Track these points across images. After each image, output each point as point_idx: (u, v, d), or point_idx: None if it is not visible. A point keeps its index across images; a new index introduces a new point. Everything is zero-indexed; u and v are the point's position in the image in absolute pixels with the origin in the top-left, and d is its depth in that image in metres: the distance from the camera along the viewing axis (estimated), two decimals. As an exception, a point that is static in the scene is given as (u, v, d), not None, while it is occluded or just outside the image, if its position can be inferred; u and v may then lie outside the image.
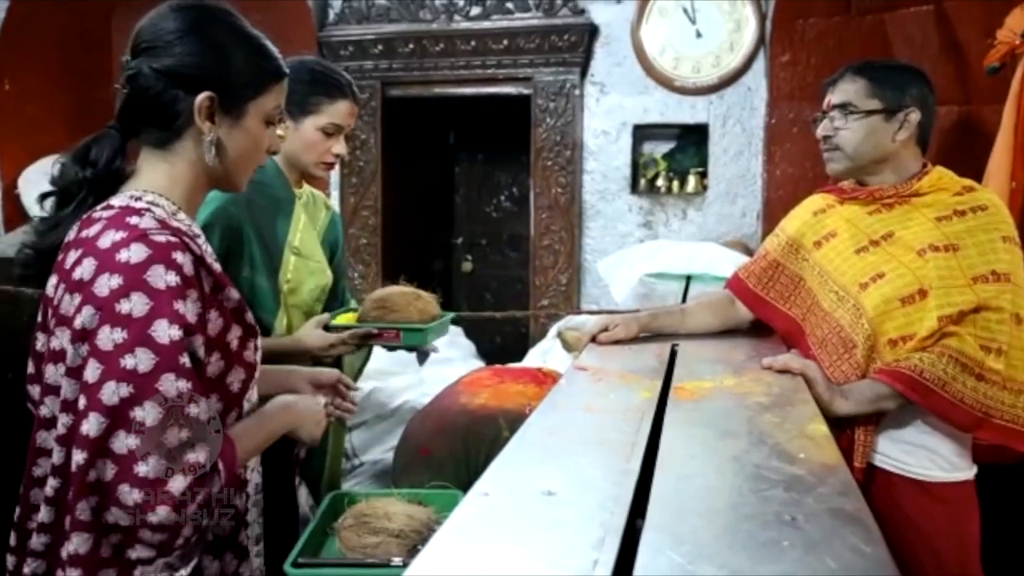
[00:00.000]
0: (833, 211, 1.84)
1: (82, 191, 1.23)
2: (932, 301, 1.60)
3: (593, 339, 1.84)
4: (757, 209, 4.34)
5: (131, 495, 1.04)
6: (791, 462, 1.07)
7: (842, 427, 1.62)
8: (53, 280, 1.17)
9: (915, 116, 1.72)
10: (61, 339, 1.12)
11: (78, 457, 1.05)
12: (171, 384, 1.07)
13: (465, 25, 4.48)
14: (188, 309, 1.10)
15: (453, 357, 4.12)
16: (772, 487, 0.99)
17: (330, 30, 4.61)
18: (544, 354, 3.81)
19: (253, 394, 1.30)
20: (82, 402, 1.06)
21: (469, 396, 1.79)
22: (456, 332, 4.36)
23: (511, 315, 4.62)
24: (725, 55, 4.29)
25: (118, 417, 1.05)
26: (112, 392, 1.05)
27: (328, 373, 1.60)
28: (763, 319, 1.93)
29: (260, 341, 1.31)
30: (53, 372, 1.14)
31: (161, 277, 1.08)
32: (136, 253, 1.09)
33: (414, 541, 1.39)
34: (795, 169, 4.18)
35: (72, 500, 1.07)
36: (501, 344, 5.54)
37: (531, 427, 1.26)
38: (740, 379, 1.55)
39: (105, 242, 1.11)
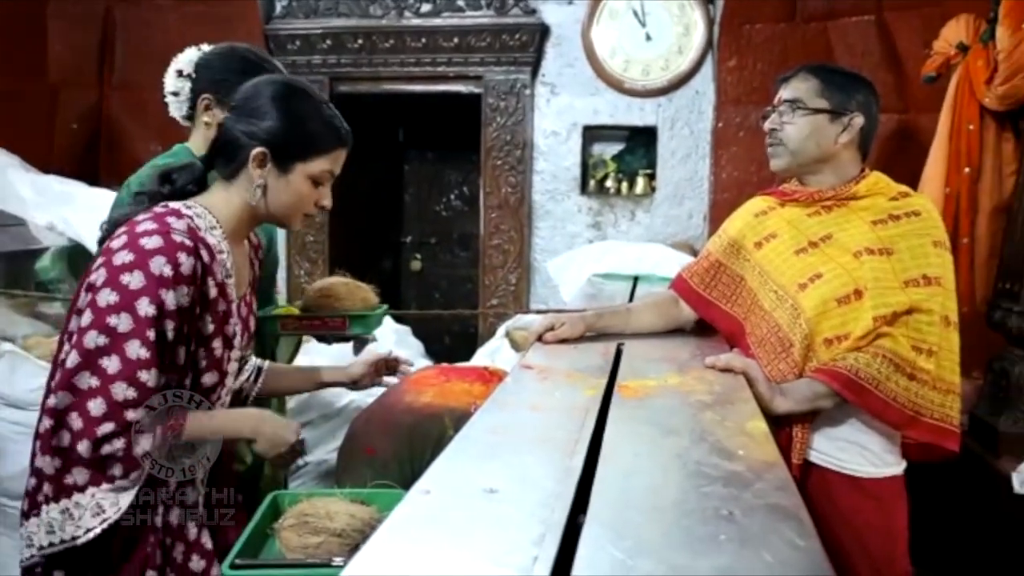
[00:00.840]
0: (774, 213, 1.88)
1: (157, 201, 1.50)
2: (867, 302, 1.64)
3: (539, 338, 1.85)
4: (704, 211, 4.40)
5: (75, 422, 1.32)
6: (730, 459, 1.08)
7: (780, 425, 1.65)
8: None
9: (859, 121, 1.76)
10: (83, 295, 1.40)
11: (51, 384, 1.38)
12: (135, 349, 1.34)
13: (416, 22, 4.46)
14: (169, 298, 1.36)
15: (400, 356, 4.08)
16: (711, 483, 1.00)
17: (277, 23, 4.55)
18: (492, 353, 3.81)
19: (225, 398, 1.57)
20: (73, 340, 1.36)
21: (414, 395, 1.77)
22: (404, 331, 4.33)
23: (459, 313, 4.62)
24: (674, 58, 4.34)
25: (89, 359, 1.33)
26: (93, 339, 1.33)
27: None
28: (706, 319, 1.95)
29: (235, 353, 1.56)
30: (74, 321, 1.40)
31: (160, 267, 1.36)
32: (152, 242, 1.37)
33: (356, 540, 1.37)
34: (741, 172, 4.24)
35: (38, 425, 1.40)
36: (449, 344, 5.52)
37: (475, 425, 1.26)
38: (684, 377, 1.56)
39: (139, 227, 1.39)
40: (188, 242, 1.39)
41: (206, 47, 1.98)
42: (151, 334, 1.34)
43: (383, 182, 5.80)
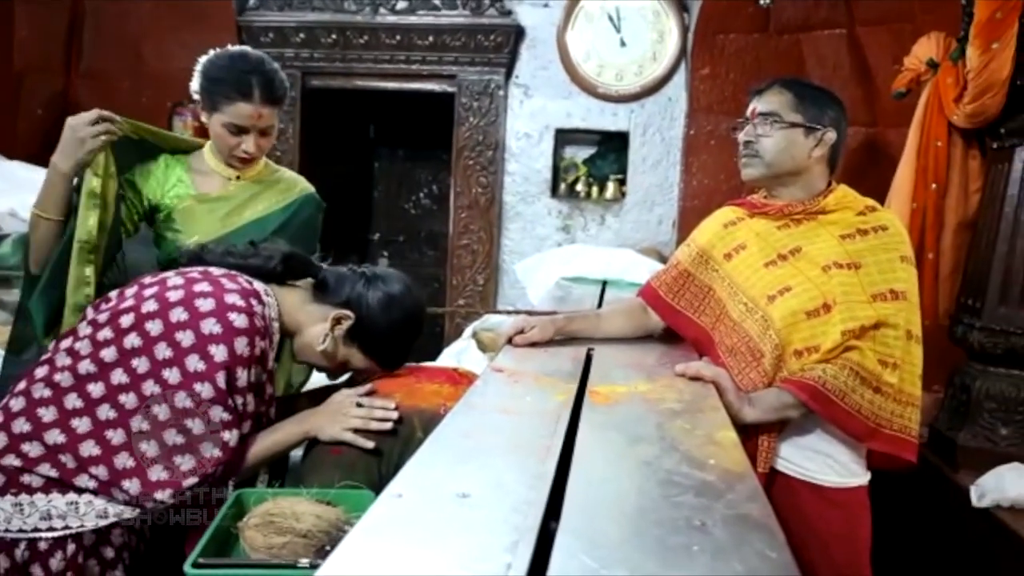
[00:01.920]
0: (743, 224, 1.90)
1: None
2: (836, 315, 1.66)
3: (509, 341, 1.84)
4: (673, 218, 4.43)
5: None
6: (701, 468, 1.09)
7: (747, 433, 1.67)
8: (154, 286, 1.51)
9: (831, 136, 1.79)
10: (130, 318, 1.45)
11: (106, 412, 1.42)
12: (217, 413, 1.44)
13: (391, 19, 4.44)
14: (241, 376, 1.47)
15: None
16: (683, 492, 1.00)
17: (250, 15, 4.50)
18: (459, 354, 3.79)
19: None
20: (171, 374, 1.41)
21: (383, 395, 1.76)
22: (370, 329, 4.30)
23: (430, 311, 4.58)
24: (648, 65, 4.36)
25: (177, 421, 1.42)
26: (181, 399, 1.42)
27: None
28: (673, 327, 1.97)
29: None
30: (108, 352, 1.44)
31: (243, 347, 1.45)
32: (240, 321, 1.46)
33: (322, 542, 1.36)
34: (711, 180, 4.28)
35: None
36: (415, 343, 5.50)
37: (446, 428, 1.25)
38: (653, 385, 1.57)
39: (229, 299, 1.48)
40: (263, 327, 1.51)
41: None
42: (231, 402, 1.44)
43: (352, 179, 5.76)
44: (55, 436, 1.43)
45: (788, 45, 4.09)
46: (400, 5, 4.44)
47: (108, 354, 1.44)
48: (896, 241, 1.74)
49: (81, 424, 1.43)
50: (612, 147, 4.58)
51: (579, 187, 4.58)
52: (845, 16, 3.86)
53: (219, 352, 1.43)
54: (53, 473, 1.42)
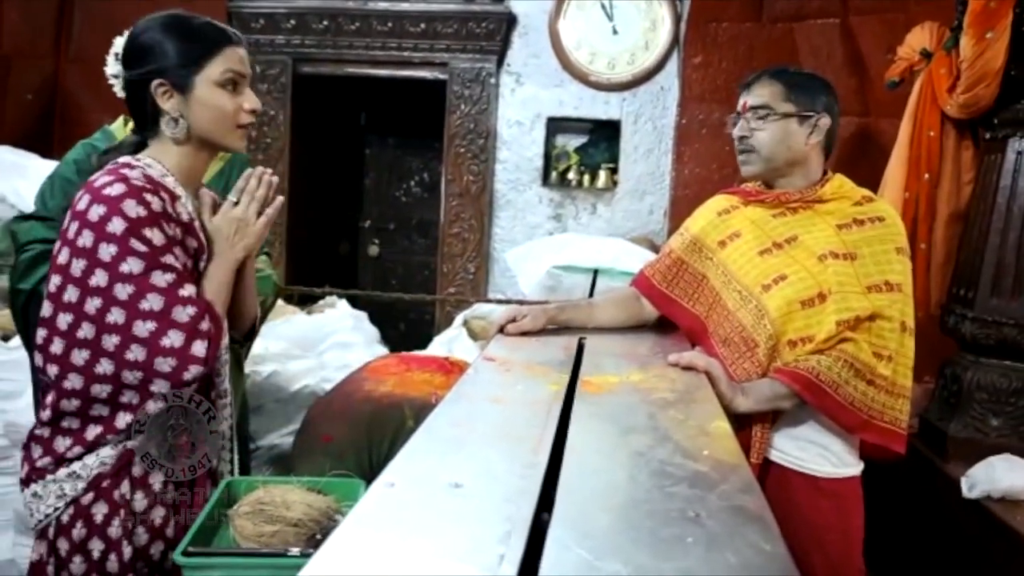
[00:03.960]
0: (737, 212, 1.89)
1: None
2: (831, 305, 1.66)
3: (501, 329, 1.84)
4: (664, 207, 4.42)
5: (163, 365, 1.42)
6: (695, 459, 1.08)
7: (741, 424, 1.67)
8: (67, 216, 1.47)
9: (825, 121, 1.79)
10: (63, 255, 1.44)
11: (87, 331, 1.41)
12: (160, 278, 1.41)
13: (382, 5, 4.41)
14: (155, 236, 1.42)
15: (356, 342, 4.05)
16: (676, 483, 1.00)
17: (240, 1, 4.46)
18: (450, 342, 3.79)
19: (225, 355, 1.60)
20: (96, 302, 1.40)
21: (374, 383, 1.75)
22: (360, 317, 4.29)
23: (419, 298, 4.58)
24: (640, 53, 4.35)
25: (129, 309, 1.39)
26: (121, 289, 1.39)
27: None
28: (667, 316, 1.96)
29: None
30: (56, 280, 1.44)
31: (133, 209, 1.41)
32: (116, 189, 1.41)
33: (313, 531, 1.35)
34: (702, 169, 4.27)
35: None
36: (405, 331, 5.49)
37: (438, 417, 1.24)
38: (646, 374, 1.57)
39: (98, 183, 1.44)
40: (147, 185, 1.45)
41: None
42: (162, 260, 1.42)
43: (343, 166, 5.73)
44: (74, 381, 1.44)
45: (781, 34, 4.08)
46: (392, -9, 4.41)
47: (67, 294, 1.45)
48: (893, 233, 1.74)
49: (80, 355, 1.43)
50: (604, 136, 4.57)
51: (571, 176, 4.57)
52: (838, 5, 3.85)
53: (117, 225, 1.40)
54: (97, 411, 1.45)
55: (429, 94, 4.65)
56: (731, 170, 4.39)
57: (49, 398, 1.48)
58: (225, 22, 4.28)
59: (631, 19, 4.33)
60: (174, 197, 1.50)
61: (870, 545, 1.79)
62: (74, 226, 1.43)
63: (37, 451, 1.49)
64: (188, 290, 1.45)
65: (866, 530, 1.77)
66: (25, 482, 1.51)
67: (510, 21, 4.39)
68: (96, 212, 1.41)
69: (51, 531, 1.48)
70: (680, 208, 4.28)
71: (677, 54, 4.32)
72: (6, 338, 3.07)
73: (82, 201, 1.44)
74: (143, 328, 1.40)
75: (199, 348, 1.43)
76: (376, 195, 6.03)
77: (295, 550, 1.32)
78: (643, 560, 0.80)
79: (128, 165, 1.49)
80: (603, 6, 4.32)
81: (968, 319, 2.72)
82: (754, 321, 1.72)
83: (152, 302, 1.40)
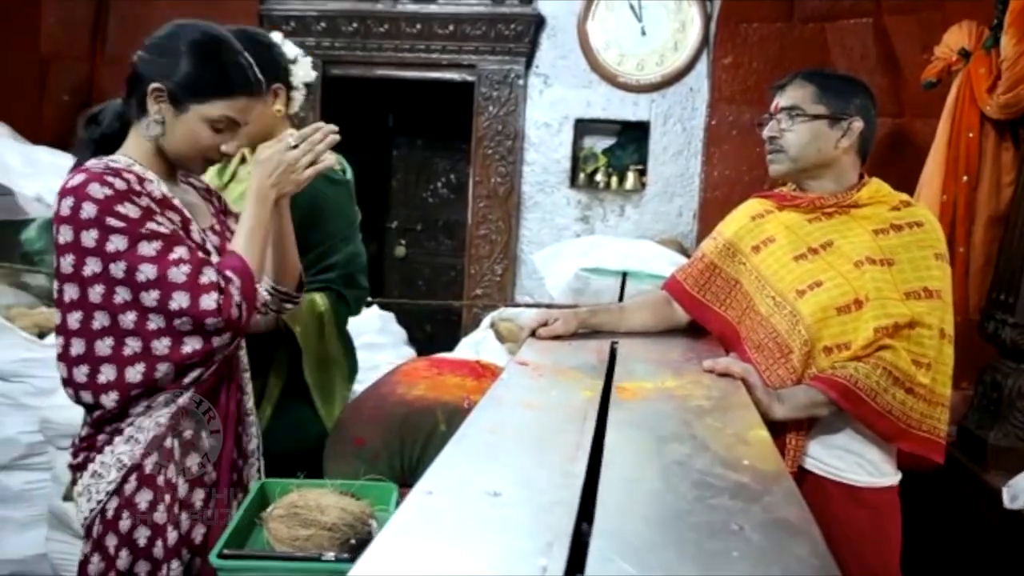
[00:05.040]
0: (772, 216, 1.86)
1: (91, 146, 1.59)
2: (868, 312, 1.63)
3: (532, 333, 1.83)
4: (694, 209, 4.39)
5: (185, 324, 1.47)
6: (735, 469, 1.07)
7: (775, 431, 1.64)
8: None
9: (858, 125, 1.76)
10: (57, 261, 1.48)
11: (101, 320, 1.46)
12: (146, 248, 1.43)
13: (411, 8, 4.41)
14: (129, 209, 1.44)
15: (383, 343, 4.06)
16: (717, 495, 0.98)
17: (272, 3, 4.49)
18: (477, 344, 3.79)
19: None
20: (99, 290, 1.44)
21: (407, 387, 1.75)
22: (388, 318, 4.30)
23: (447, 304, 4.58)
24: (669, 54, 4.32)
25: (132, 284, 1.43)
26: (115, 268, 1.42)
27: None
28: (699, 321, 1.94)
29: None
30: (55, 287, 1.49)
31: (98, 190, 1.42)
32: (77, 179, 1.44)
33: (347, 535, 1.35)
34: (732, 171, 4.24)
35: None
36: (431, 332, 5.49)
37: (473, 423, 1.24)
38: (680, 380, 1.55)
39: (62, 184, 1.46)
40: (107, 171, 1.46)
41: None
42: (143, 231, 1.43)
43: (371, 167, 5.74)
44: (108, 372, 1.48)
45: (812, 34, 4.03)
46: (421, -7, 4.42)
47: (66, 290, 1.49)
48: (931, 238, 1.71)
49: (105, 346, 1.48)
50: (632, 137, 4.54)
51: (598, 177, 4.55)
52: (872, 4, 3.79)
53: (89, 209, 1.42)
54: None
55: (457, 95, 4.65)
56: (761, 171, 4.32)
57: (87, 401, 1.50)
58: (256, 24, 4.35)
59: (660, 20, 4.30)
60: (141, 179, 1.51)
61: (908, 557, 1.76)
62: (56, 229, 1.46)
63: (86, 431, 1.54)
64: (179, 252, 1.45)
65: (904, 541, 1.74)
66: (80, 467, 1.54)
67: (538, 23, 4.38)
68: (66, 205, 1.43)
69: (96, 528, 1.51)
70: (709, 210, 4.24)
71: (707, 55, 4.29)
72: (42, 335, 3.10)
73: (56, 205, 1.47)
74: (150, 298, 1.43)
75: (208, 301, 1.44)
76: (403, 196, 6.04)
77: (329, 554, 1.32)
78: (689, 574, 0.79)
79: (88, 159, 1.52)
80: (632, 7, 4.30)
81: (1008, 324, 2.67)
82: (788, 327, 1.70)
83: (146, 272, 1.42)
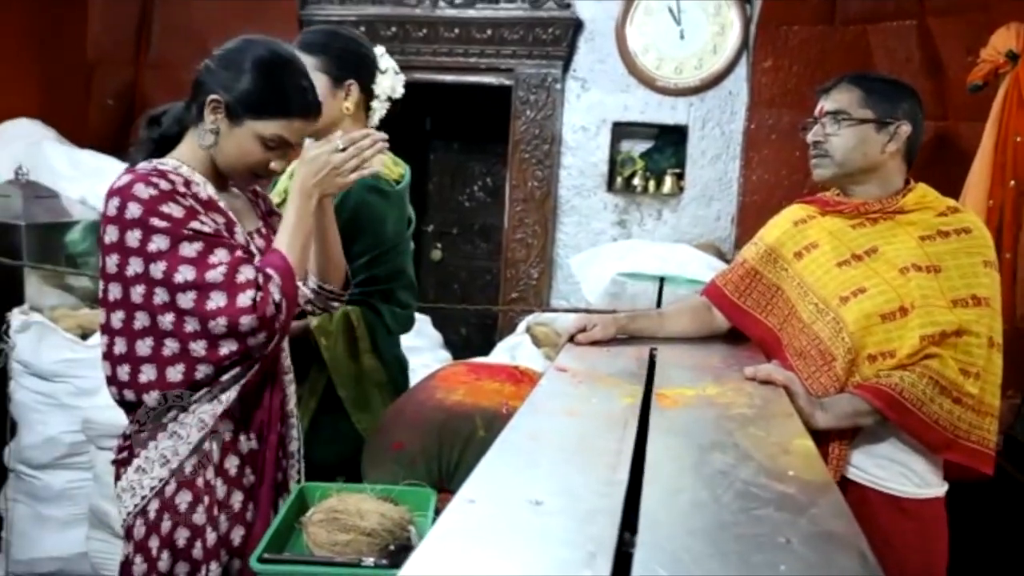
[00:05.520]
0: (814, 222, 1.84)
1: (149, 146, 1.64)
2: (914, 320, 1.60)
3: (571, 339, 1.82)
4: (732, 213, 4.35)
5: (219, 327, 1.47)
6: (780, 480, 1.05)
7: (817, 440, 1.61)
8: None
9: (905, 129, 1.73)
10: (102, 261, 1.52)
11: (142, 320, 1.50)
12: (188, 248, 1.45)
13: (449, 12, 4.43)
14: (174, 209, 1.47)
15: (420, 347, 4.07)
16: (763, 506, 0.97)
17: (312, 9, 4.53)
18: (512, 349, 3.78)
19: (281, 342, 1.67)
20: (140, 290, 1.47)
21: (445, 392, 1.75)
22: (423, 321, 4.31)
23: (485, 309, 4.58)
24: (708, 58, 4.28)
25: (169, 286, 1.45)
26: (155, 269, 1.45)
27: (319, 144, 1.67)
28: (740, 327, 1.92)
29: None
30: (101, 287, 1.54)
31: (143, 191, 1.46)
32: (123, 180, 1.49)
33: (386, 541, 1.36)
34: (771, 175, 4.19)
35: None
36: (466, 335, 5.50)
37: (514, 430, 1.23)
38: (721, 388, 1.53)
39: (109, 187, 1.50)
40: (153, 172, 1.51)
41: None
42: (185, 231, 1.46)
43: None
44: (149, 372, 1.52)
45: (854, 37, 3.98)
46: (459, -2, 4.43)
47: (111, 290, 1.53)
48: (980, 245, 1.67)
49: (145, 346, 1.52)
50: (670, 141, 4.51)
51: (636, 181, 4.52)
52: (915, 6, 3.73)
53: (134, 209, 1.45)
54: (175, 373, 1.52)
55: (494, 99, 4.65)
56: (801, 176, 4.31)
57: (130, 399, 1.53)
58: (297, 30, 4.38)
59: (699, 23, 4.27)
60: (188, 181, 1.55)
61: (954, 570, 1.72)
62: (103, 229, 1.51)
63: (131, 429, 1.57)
64: (219, 255, 1.47)
65: (951, 553, 1.71)
66: (124, 463, 1.57)
67: (576, 26, 4.37)
68: (112, 206, 1.47)
69: (137, 529, 1.54)
70: (748, 214, 4.20)
71: (746, 58, 4.25)
72: (84, 336, 3.16)
73: (103, 206, 1.52)
74: (187, 300, 1.45)
75: (244, 299, 1.45)
76: (439, 200, 6.05)
77: (369, 560, 1.33)
78: (735, 587, 0.78)
79: (140, 166, 1.56)
80: (671, 11, 4.27)
81: (1056, 332, 2.61)
82: (831, 334, 1.67)
83: (184, 274, 1.44)
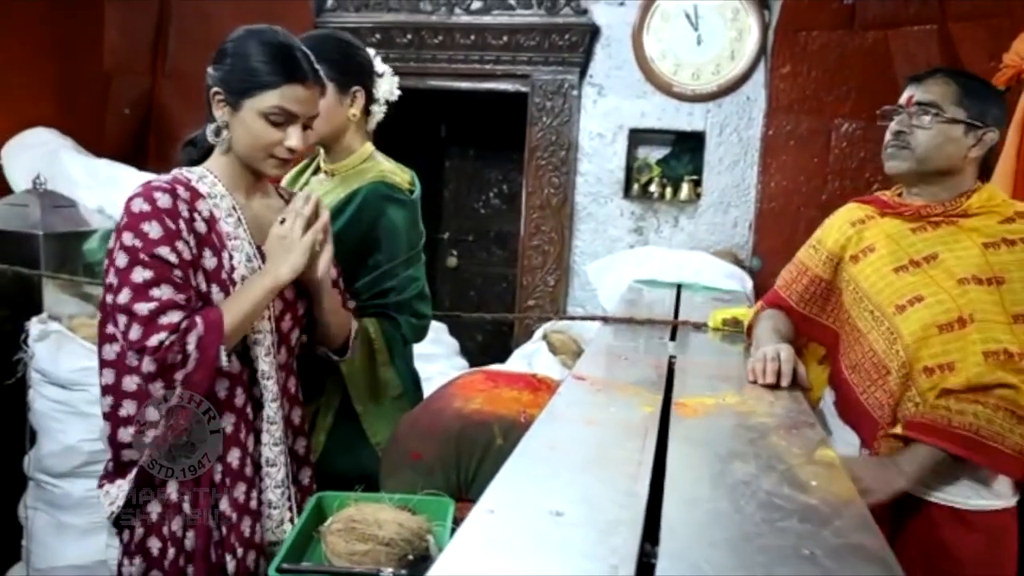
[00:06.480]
0: (873, 223, 1.76)
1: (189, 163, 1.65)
2: (974, 334, 1.53)
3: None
4: (749, 220, 4.32)
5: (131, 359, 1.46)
6: (803, 490, 1.04)
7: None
8: None
9: (992, 136, 1.66)
10: None
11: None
12: (139, 274, 1.45)
13: (465, 19, 4.43)
14: (153, 229, 1.46)
15: (436, 354, 4.07)
16: (786, 517, 0.96)
17: (328, 16, 4.54)
18: (529, 356, 3.77)
19: (262, 325, 1.61)
20: (109, 298, 1.49)
21: (463, 400, 1.74)
22: (440, 328, 4.31)
23: (502, 317, 4.58)
24: (725, 63, 4.26)
25: (114, 303, 1.47)
26: (112, 281, 1.47)
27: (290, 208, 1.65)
28: (811, 337, 1.87)
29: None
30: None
31: (139, 206, 1.48)
32: (134, 192, 1.51)
33: (404, 551, 1.35)
34: (789, 182, 4.16)
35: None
36: (483, 342, 5.49)
37: (533, 439, 1.23)
38: (742, 396, 1.52)
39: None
40: (164, 184, 1.52)
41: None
42: (144, 257, 1.45)
43: (423, 177, 5.75)
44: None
45: (874, 42, 3.95)
46: (475, 5, 4.43)
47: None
48: None
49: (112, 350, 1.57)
50: (687, 147, 4.49)
51: (652, 188, 4.50)
52: (936, 11, 3.70)
53: (123, 222, 1.49)
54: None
55: (510, 106, 4.65)
56: (819, 182, 4.28)
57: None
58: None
59: (717, 29, 4.25)
60: (198, 195, 1.55)
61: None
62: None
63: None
64: (161, 290, 1.45)
65: (1020, 566, 1.64)
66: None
67: (593, 33, 4.36)
68: (120, 219, 1.52)
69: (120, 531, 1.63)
70: (765, 221, 4.18)
71: (764, 64, 4.23)
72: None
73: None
74: (121, 322, 1.46)
75: (154, 340, 1.42)
76: (455, 206, 6.06)
77: (387, 570, 1.32)
78: (759, 601, 0.77)
79: (165, 176, 1.58)
80: (688, 16, 4.26)
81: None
82: (886, 346, 1.61)
83: (125, 296, 1.45)
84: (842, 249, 1.79)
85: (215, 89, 1.55)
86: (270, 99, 1.52)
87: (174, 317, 1.44)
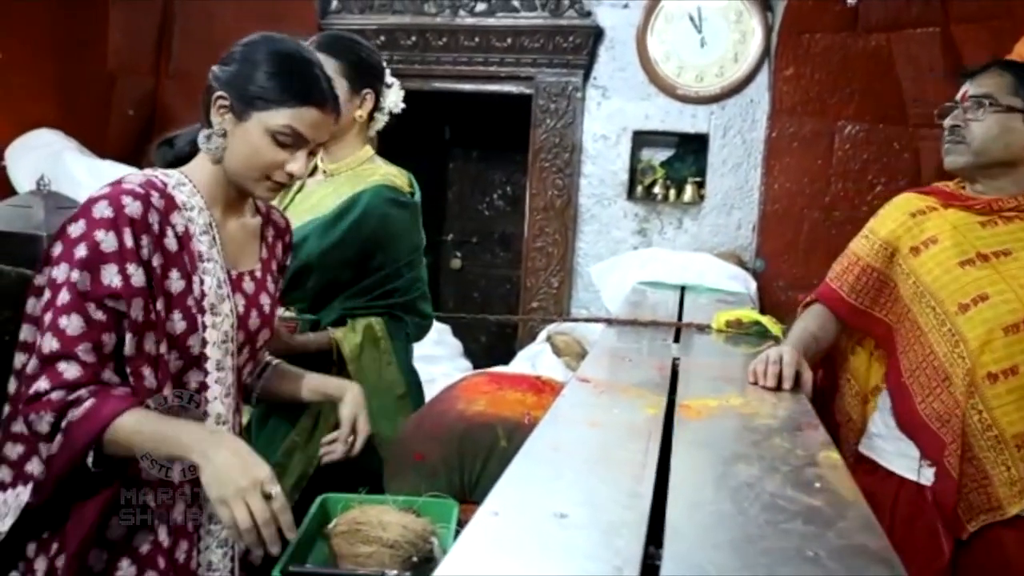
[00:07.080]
0: (935, 214, 1.70)
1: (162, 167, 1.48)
2: None
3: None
4: (753, 222, 4.33)
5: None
6: (808, 492, 1.04)
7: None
8: None
9: None
10: None
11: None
12: (62, 296, 1.24)
13: (469, 21, 4.44)
14: (108, 240, 1.26)
15: (440, 355, 4.08)
16: (790, 519, 0.96)
17: (332, 18, 4.56)
18: (533, 357, 3.78)
19: (224, 362, 1.42)
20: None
21: (467, 402, 1.75)
22: (443, 330, 4.32)
23: (505, 319, 4.58)
24: (729, 66, 4.27)
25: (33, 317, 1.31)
26: (43, 293, 1.29)
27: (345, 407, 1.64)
28: (858, 329, 1.82)
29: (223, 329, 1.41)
30: None
31: (101, 211, 1.28)
32: (98, 193, 1.31)
33: (409, 553, 1.35)
34: (793, 184, 4.17)
35: None
36: (487, 344, 5.50)
37: (537, 441, 1.23)
38: (745, 398, 1.52)
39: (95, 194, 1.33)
40: (138, 189, 1.31)
41: None
42: (75, 276, 1.25)
43: (426, 179, 5.75)
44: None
45: (877, 44, 3.95)
46: (479, 7, 4.44)
47: None
48: None
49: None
50: (691, 149, 4.50)
51: (656, 190, 4.51)
52: (939, 14, 3.70)
53: (76, 228, 1.28)
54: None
55: (514, 108, 4.65)
56: (823, 184, 4.28)
57: None
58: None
59: (720, 31, 4.25)
60: (176, 204, 1.37)
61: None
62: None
63: None
64: (70, 321, 1.24)
65: None
66: None
67: (597, 35, 4.36)
68: (72, 215, 1.32)
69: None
70: (769, 223, 4.18)
71: (768, 66, 4.23)
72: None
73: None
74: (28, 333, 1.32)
75: (37, 384, 1.23)
76: (459, 208, 6.06)
77: (391, 572, 1.32)
78: (763, 603, 0.77)
79: (140, 175, 1.41)
80: (692, 18, 4.26)
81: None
82: (948, 349, 1.57)
83: (44, 306, 1.27)
84: (898, 239, 1.73)
85: (220, 93, 1.38)
86: (282, 117, 1.36)
87: (69, 373, 1.23)
